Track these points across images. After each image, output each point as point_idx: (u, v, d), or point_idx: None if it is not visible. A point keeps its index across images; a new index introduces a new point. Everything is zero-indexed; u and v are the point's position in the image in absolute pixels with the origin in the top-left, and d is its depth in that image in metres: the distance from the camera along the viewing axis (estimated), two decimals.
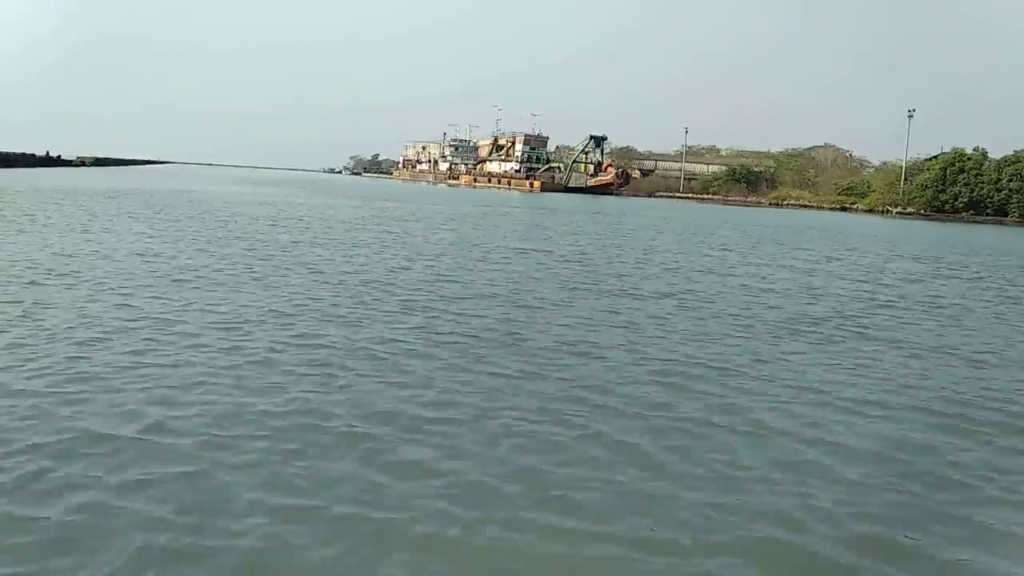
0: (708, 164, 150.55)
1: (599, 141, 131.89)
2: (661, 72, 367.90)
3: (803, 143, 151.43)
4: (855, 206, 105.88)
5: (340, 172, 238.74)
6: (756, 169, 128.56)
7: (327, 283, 13.11)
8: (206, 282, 12.44)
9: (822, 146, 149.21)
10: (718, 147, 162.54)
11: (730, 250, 26.21)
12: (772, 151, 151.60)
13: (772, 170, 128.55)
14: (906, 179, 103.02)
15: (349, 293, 12.23)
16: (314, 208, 37.03)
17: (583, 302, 12.79)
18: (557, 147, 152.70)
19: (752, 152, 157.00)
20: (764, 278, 18.12)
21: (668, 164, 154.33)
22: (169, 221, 23.95)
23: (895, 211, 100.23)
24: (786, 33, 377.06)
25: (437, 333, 9.69)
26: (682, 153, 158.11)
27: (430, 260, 17.69)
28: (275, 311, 10.43)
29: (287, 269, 14.59)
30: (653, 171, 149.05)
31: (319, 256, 17.06)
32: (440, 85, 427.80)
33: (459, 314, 11.07)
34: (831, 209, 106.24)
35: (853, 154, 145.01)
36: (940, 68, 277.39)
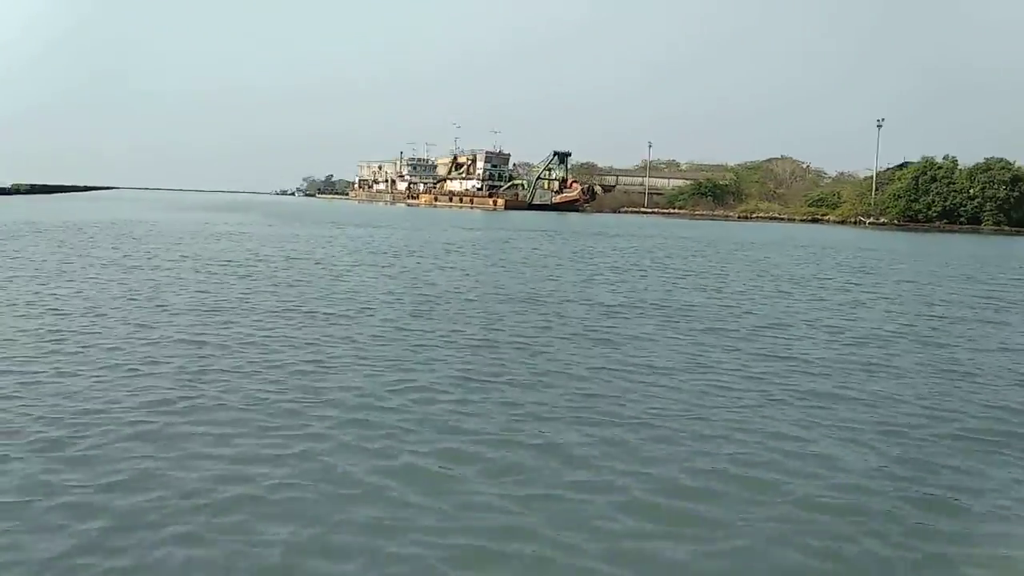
0: (669, 179, 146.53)
1: (563, 157, 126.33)
2: (611, 81, 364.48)
3: (758, 155, 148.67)
4: (826, 218, 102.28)
5: (293, 194, 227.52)
6: (721, 183, 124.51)
7: (388, 449, 6.15)
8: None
9: (779, 158, 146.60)
10: (678, 161, 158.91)
11: (840, 289, 19.94)
12: (730, 164, 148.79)
13: (736, 183, 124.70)
14: (876, 189, 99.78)
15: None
16: (283, 241, 29.65)
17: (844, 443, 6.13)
18: (514, 164, 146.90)
19: (711, 165, 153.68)
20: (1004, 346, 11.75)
21: (629, 179, 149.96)
22: (74, 281, 16.50)
23: (868, 222, 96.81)
24: (735, 39, 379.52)
25: None
26: (645, 168, 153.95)
27: (505, 346, 10.80)
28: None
29: (298, 392, 7.57)
30: (615, 187, 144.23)
31: (334, 341, 10.05)
32: (394, 104, 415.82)
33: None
34: (802, 221, 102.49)
35: (810, 166, 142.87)
36: (894, 77, 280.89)
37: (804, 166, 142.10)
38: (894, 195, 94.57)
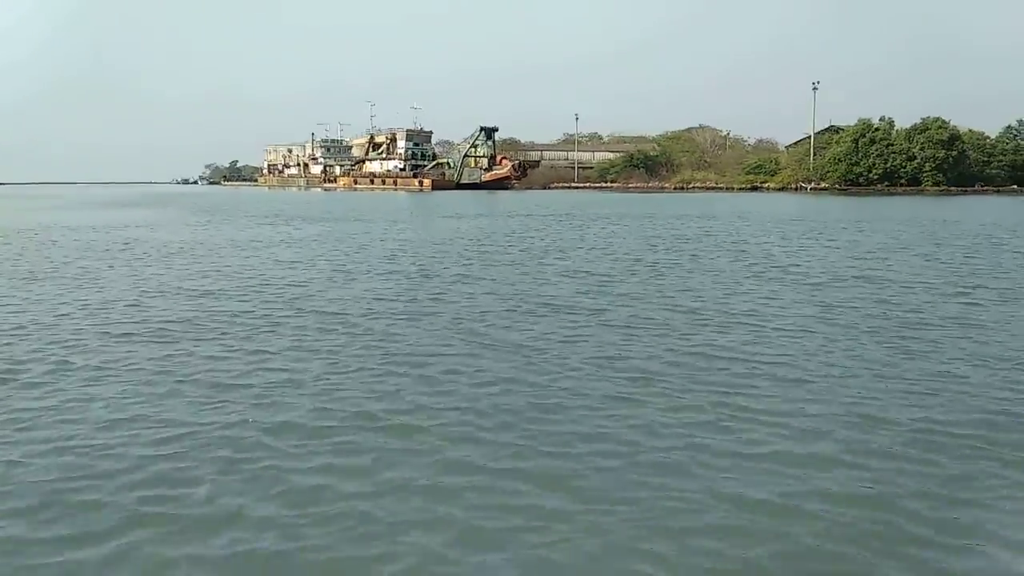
0: (594, 152, 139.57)
1: (490, 132, 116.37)
2: (533, 58, 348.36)
3: (675, 125, 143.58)
4: (766, 185, 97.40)
5: (196, 182, 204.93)
6: (652, 154, 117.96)
7: None
8: None
9: (697, 127, 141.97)
10: (600, 134, 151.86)
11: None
12: (650, 135, 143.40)
13: (665, 155, 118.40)
14: (814, 154, 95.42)
15: None
16: (233, 253, 19.26)
17: None
18: (435, 143, 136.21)
19: (632, 137, 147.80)
20: None
21: (552, 154, 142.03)
22: None
23: (809, 187, 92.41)
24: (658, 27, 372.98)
25: None
26: (568, 142, 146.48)
27: None
28: None
29: None
30: (539, 162, 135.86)
31: None
32: (297, 83, 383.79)
33: None
34: (741, 190, 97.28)
35: (730, 134, 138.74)
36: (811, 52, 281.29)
37: (724, 135, 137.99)
38: (834, 159, 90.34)
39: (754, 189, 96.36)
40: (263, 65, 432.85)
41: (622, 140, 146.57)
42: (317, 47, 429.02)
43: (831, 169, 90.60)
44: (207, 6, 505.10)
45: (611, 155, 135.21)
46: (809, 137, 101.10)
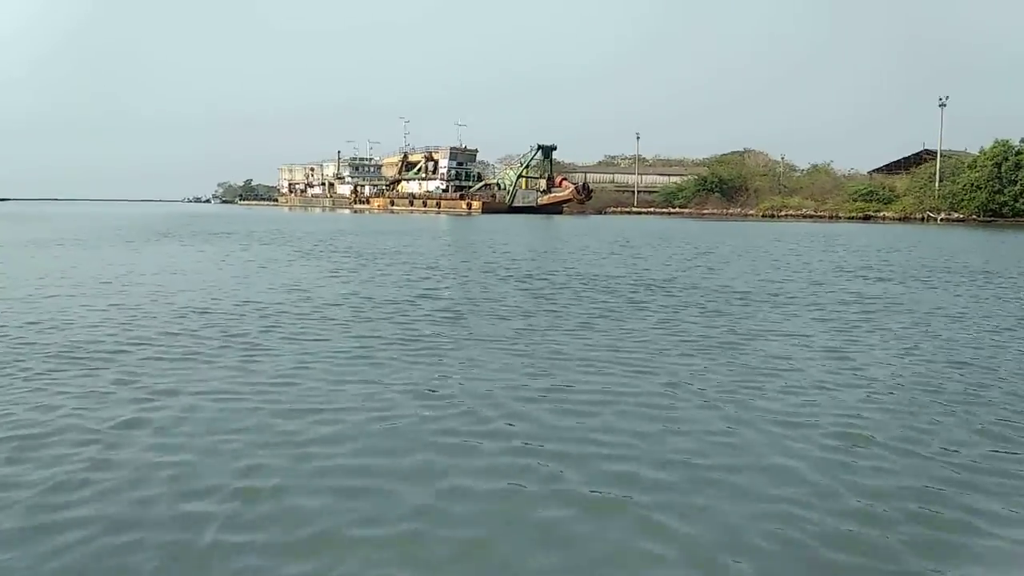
0: (642, 175, 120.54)
1: (548, 151, 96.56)
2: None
3: (716, 150, 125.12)
4: (881, 215, 78.71)
5: (208, 201, 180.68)
6: (727, 176, 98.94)
7: None
8: None
9: (741, 151, 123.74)
10: (644, 156, 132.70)
11: None
12: (691, 158, 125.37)
13: (744, 177, 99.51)
14: (941, 180, 76.99)
15: None
16: None
17: None
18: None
19: (676, 160, 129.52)
20: None
21: (593, 176, 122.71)
22: None
23: (939, 218, 73.90)
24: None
25: None
26: (610, 163, 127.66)
27: None
28: None
29: None
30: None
31: None
32: (314, 101, 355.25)
33: None
34: (850, 219, 78.57)
35: (785, 157, 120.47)
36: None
37: (778, 158, 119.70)
38: (971, 186, 71.88)
39: (867, 219, 77.66)
40: (273, 81, 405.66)
41: (668, 163, 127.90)
42: (333, 62, 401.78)
43: (967, 198, 72.06)
44: (213, 24, 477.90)
45: (660, 178, 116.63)
46: (929, 159, 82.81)
